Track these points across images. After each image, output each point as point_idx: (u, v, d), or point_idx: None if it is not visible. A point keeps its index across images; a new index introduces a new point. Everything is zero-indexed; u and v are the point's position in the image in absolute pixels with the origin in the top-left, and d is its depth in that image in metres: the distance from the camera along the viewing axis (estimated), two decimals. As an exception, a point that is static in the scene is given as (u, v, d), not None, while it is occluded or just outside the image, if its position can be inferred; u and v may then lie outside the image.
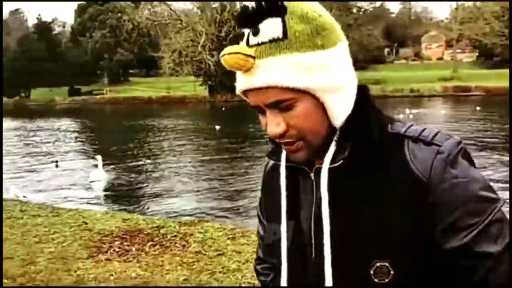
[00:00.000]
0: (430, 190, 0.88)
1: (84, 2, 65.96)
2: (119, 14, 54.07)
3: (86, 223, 6.14)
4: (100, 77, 61.71)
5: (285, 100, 0.88)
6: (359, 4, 55.59)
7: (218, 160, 14.18)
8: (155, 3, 48.28)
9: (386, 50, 73.19)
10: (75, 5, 68.96)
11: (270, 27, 0.87)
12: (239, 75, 0.91)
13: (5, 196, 8.47)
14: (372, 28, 55.65)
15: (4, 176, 12.75)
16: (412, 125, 0.96)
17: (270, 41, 0.87)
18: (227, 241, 5.28)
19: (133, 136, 22.04)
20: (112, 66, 62.08)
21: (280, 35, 0.86)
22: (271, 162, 1.08)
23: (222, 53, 0.88)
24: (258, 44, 0.87)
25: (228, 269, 4.48)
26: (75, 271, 4.55)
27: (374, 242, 0.90)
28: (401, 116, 24.86)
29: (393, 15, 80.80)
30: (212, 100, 45.83)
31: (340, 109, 0.92)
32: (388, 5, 75.61)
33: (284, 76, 0.86)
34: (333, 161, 0.93)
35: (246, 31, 0.90)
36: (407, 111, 25.18)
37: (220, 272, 4.44)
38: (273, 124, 0.90)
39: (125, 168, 13.45)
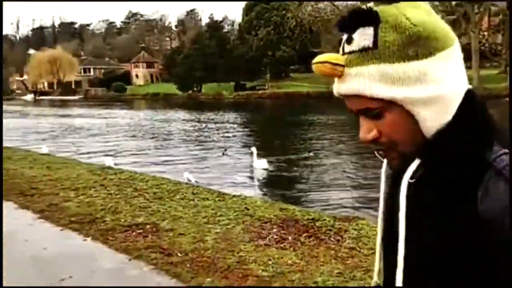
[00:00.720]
0: (492, 233, 0.80)
1: (251, 2, 69.41)
2: (283, 12, 55.90)
3: (247, 209, 6.51)
4: (263, 73, 64.48)
5: (373, 108, 0.88)
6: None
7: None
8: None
9: None
10: (243, 4, 72.85)
11: (362, 36, 0.86)
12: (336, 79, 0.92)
13: (179, 179, 9.46)
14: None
15: (179, 162, 14.23)
16: (505, 153, 0.83)
17: (361, 50, 0.86)
18: (382, 240, 5.19)
19: (294, 130, 22.74)
20: (275, 63, 64.39)
21: (371, 45, 0.85)
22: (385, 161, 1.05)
23: (313, 60, 0.90)
24: (350, 52, 0.88)
25: (382, 268, 4.42)
26: (238, 253, 4.87)
27: (430, 263, 0.88)
28: None
29: None
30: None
31: (432, 121, 0.87)
32: None
33: (370, 85, 0.85)
34: (414, 173, 0.91)
35: (344, 37, 0.91)
36: None
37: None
38: (364, 129, 0.91)
39: (285, 161, 13.98)
